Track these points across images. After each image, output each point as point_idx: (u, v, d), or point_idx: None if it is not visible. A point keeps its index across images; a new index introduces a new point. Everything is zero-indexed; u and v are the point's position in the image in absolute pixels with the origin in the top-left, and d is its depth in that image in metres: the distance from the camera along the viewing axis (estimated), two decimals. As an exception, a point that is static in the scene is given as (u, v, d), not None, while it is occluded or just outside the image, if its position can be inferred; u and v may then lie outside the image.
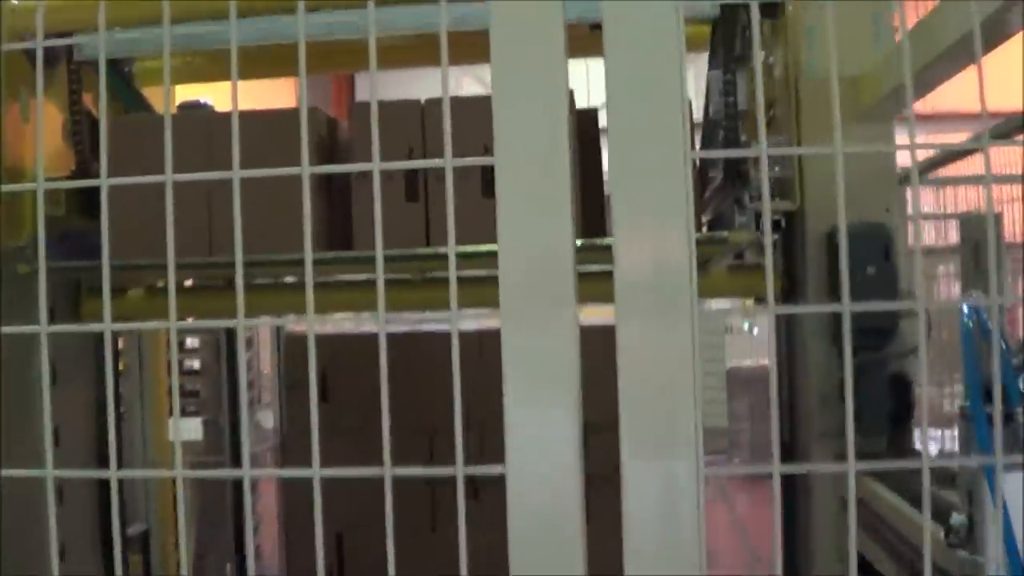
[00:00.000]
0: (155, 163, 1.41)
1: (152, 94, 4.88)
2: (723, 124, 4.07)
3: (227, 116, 1.39)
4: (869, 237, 3.90)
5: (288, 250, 3.33)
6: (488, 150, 1.35)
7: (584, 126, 4.12)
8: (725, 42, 4.11)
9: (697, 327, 1.26)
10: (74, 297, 4.27)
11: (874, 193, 4.00)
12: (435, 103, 3.93)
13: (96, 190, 1.42)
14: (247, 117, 4.15)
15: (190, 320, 4.26)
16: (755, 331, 17.02)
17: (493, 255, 1.28)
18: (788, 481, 4.60)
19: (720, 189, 4.47)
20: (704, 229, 4.85)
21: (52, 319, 1.44)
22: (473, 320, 4.74)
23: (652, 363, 1.26)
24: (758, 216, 4.62)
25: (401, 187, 3.99)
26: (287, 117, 4.00)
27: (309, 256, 1.43)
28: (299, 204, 1.39)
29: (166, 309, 1.40)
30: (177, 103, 5.59)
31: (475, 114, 3.53)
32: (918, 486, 1.35)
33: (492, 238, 1.29)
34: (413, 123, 3.97)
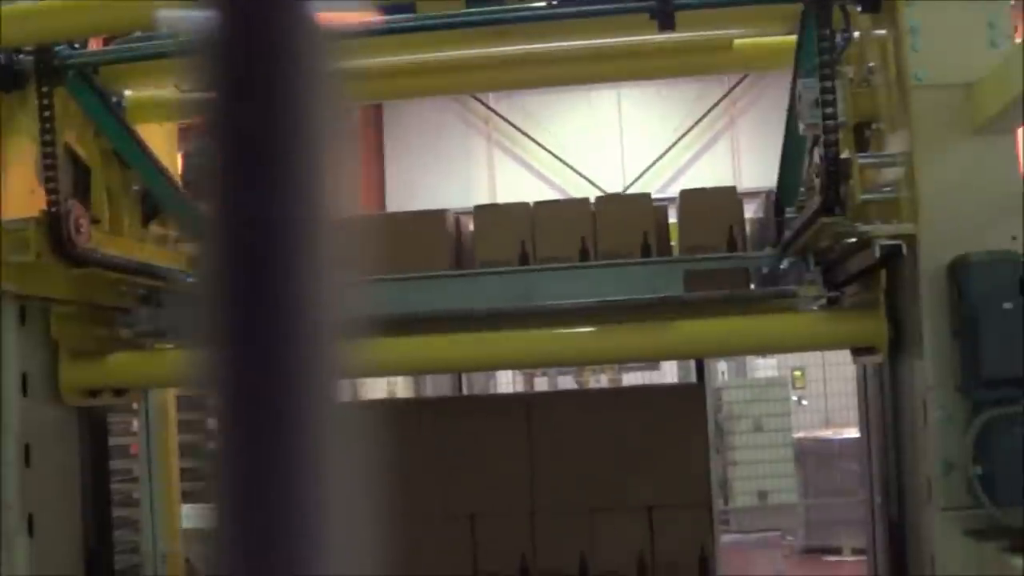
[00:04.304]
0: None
1: (146, 131, 4.23)
2: (821, 140, 3.43)
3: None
4: (999, 268, 3.24)
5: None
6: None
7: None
8: (818, 42, 3.46)
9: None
10: (51, 362, 3.52)
11: (998, 219, 3.40)
12: (543, 205, 5.42)
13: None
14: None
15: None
16: (804, 402, 16.29)
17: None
18: (898, 563, 3.96)
19: (810, 221, 3.81)
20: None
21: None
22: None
23: None
24: (828, 269, 4.06)
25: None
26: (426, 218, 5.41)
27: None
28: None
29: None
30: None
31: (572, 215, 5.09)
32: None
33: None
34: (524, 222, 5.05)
